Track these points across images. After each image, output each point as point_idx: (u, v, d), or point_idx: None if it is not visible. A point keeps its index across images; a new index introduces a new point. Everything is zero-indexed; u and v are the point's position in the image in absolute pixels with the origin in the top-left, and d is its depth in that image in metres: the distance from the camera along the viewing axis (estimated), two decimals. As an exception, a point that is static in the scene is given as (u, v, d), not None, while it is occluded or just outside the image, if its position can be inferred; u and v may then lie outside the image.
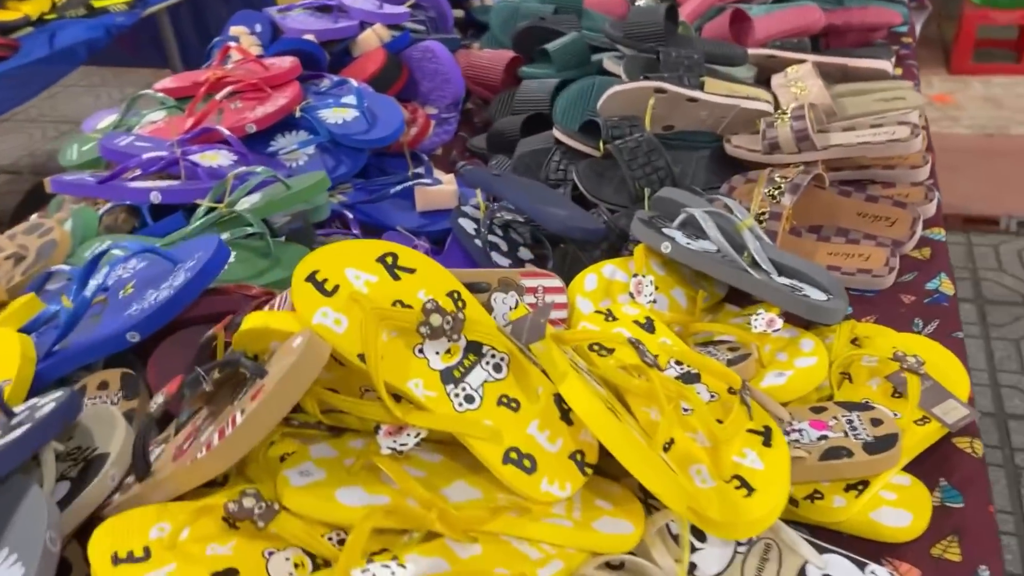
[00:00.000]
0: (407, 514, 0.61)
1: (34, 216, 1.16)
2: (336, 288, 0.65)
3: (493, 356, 0.67)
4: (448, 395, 0.65)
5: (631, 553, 0.66)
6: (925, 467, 0.77)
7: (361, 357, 0.63)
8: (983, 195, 1.05)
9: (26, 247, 1.03)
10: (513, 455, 0.64)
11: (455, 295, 0.68)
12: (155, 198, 1.07)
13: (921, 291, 0.99)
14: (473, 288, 0.86)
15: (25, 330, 0.86)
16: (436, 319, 0.64)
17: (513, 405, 0.66)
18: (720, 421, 0.70)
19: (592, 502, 0.66)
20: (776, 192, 1.07)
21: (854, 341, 0.88)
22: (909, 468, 0.76)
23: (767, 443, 0.69)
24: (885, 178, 1.17)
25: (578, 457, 0.65)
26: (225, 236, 0.98)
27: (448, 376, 0.65)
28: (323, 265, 0.66)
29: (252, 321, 0.68)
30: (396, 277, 0.68)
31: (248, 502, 0.60)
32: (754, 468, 0.67)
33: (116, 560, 0.59)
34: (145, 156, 1.13)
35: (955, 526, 0.72)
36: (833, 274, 0.96)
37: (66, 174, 1.20)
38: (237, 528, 0.62)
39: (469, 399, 0.65)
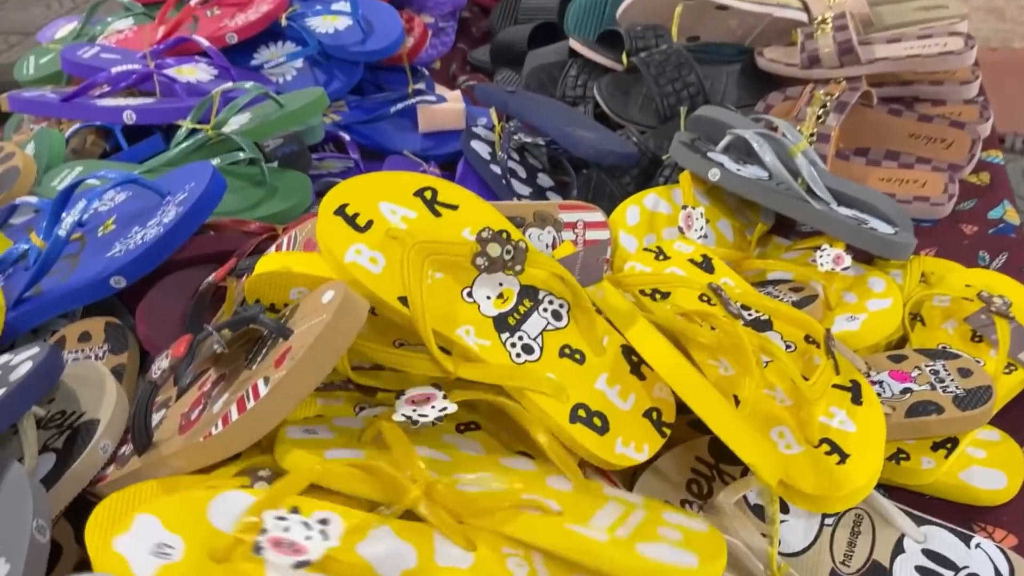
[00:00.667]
0: (382, 478, 0.49)
1: (-9, 138, 1.03)
2: (370, 223, 0.55)
3: (551, 302, 0.58)
4: (503, 344, 0.55)
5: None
6: (1010, 420, 0.70)
7: (403, 301, 0.53)
8: (988, 112, 0.98)
9: (-16, 175, 0.91)
10: (582, 413, 0.55)
11: (505, 236, 0.59)
12: (129, 118, 0.95)
13: (983, 221, 0.91)
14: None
15: (-11, 272, 0.75)
16: (495, 248, 0.54)
17: (577, 357, 0.57)
18: (804, 377, 0.61)
19: (655, 529, 0.52)
20: (821, 111, 0.97)
21: (921, 278, 0.80)
22: (993, 422, 0.69)
23: (856, 400, 0.61)
24: (932, 95, 1.07)
25: (654, 416, 0.57)
26: (213, 162, 0.87)
27: (502, 323, 0.56)
28: (353, 198, 0.56)
29: (270, 263, 0.57)
30: (437, 214, 0.58)
31: (261, 487, 0.50)
32: (845, 430, 0.59)
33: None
34: (114, 70, 1.00)
35: (1050, 486, 0.65)
36: (889, 203, 0.87)
37: (24, 90, 1.07)
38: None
39: (528, 349, 0.56)
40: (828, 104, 0.97)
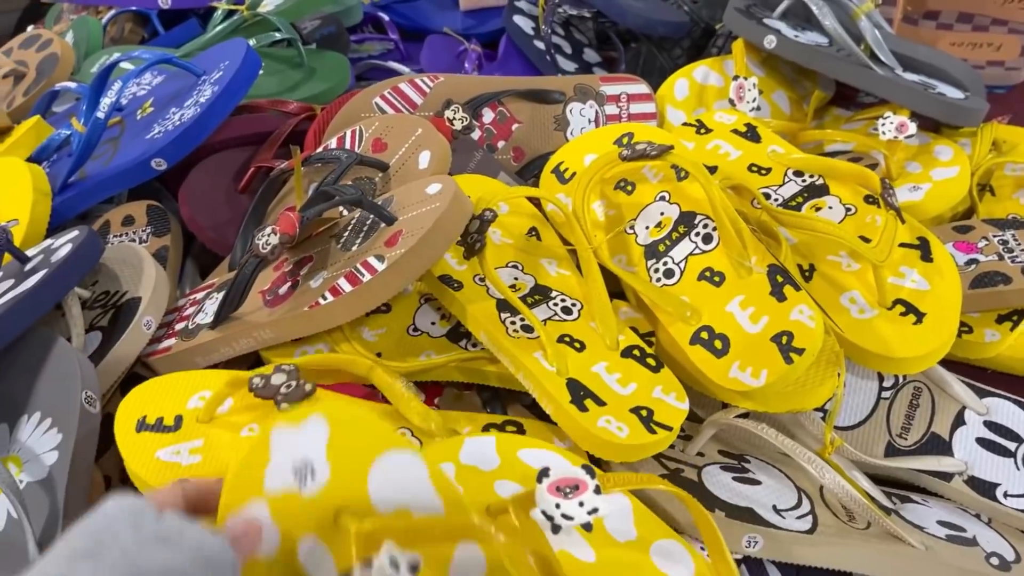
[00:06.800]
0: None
1: (30, 28, 1.02)
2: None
3: (706, 225, 0.59)
4: (648, 270, 0.59)
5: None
6: (1082, 290, 0.66)
7: None
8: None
9: (25, 63, 0.90)
10: (704, 335, 0.54)
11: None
12: (164, 2, 0.93)
13: (1062, 86, 0.85)
14: (544, 98, 0.74)
15: (34, 159, 0.75)
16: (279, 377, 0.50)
17: (716, 279, 0.57)
18: (866, 239, 0.58)
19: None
20: (888, -28, 0.90)
21: (992, 146, 0.75)
22: (1064, 293, 0.65)
23: (927, 258, 0.58)
24: (1011, -48, 0.99)
25: (783, 340, 0.52)
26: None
27: (652, 251, 0.59)
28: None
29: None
30: None
31: (278, 378, 0.49)
32: (919, 289, 0.57)
33: (141, 426, 0.51)
34: (147, -47, 0.97)
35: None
36: (960, 68, 0.81)
37: (61, -21, 1.05)
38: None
39: (668, 274, 0.58)
40: (896, -36, 0.90)
